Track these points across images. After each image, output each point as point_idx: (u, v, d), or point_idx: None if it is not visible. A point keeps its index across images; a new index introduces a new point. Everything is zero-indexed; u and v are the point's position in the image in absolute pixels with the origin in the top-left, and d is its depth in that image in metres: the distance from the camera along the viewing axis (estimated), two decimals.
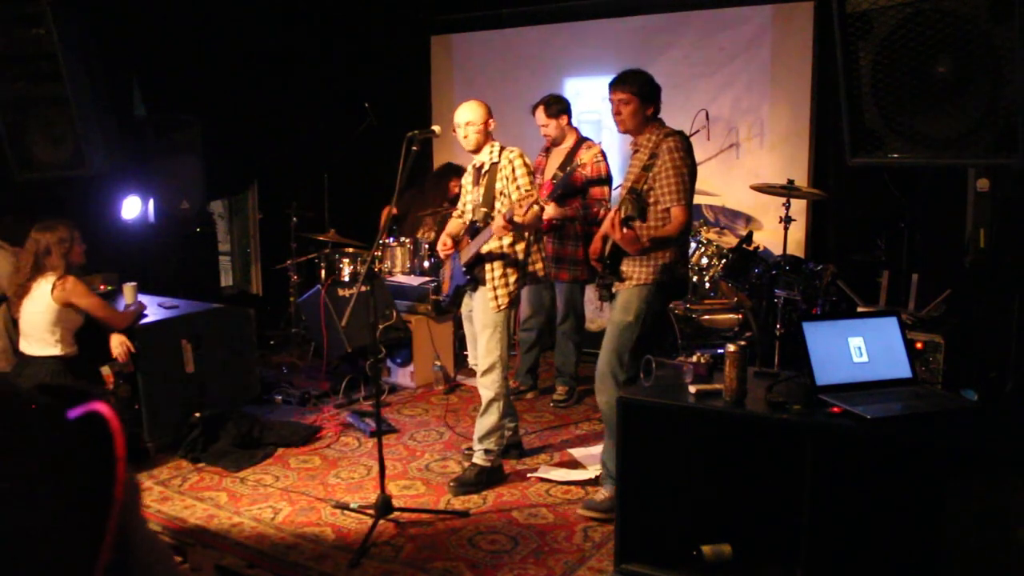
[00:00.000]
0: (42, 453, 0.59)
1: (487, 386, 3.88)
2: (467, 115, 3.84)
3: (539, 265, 4.09)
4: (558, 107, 4.94)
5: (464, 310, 4.09)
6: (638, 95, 3.54)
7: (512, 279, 3.85)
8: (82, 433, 0.63)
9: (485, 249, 3.82)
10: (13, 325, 4.11)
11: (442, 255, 4.12)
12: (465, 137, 3.85)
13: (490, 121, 3.87)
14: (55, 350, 3.95)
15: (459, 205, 4.19)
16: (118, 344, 4.11)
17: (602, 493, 3.62)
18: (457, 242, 4.03)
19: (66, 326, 3.97)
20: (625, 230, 3.40)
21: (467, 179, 4.10)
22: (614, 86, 3.59)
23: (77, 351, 4.06)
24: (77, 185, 4.90)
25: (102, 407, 0.65)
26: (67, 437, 0.62)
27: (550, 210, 4.69)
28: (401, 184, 3.61)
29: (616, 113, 3.60)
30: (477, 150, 3.89)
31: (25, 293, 3.94)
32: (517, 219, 3.62)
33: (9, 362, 4.18)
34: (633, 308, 3.55)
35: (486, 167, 3.90)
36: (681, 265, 3.68)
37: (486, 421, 3.90)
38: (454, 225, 4.17)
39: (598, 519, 3.53)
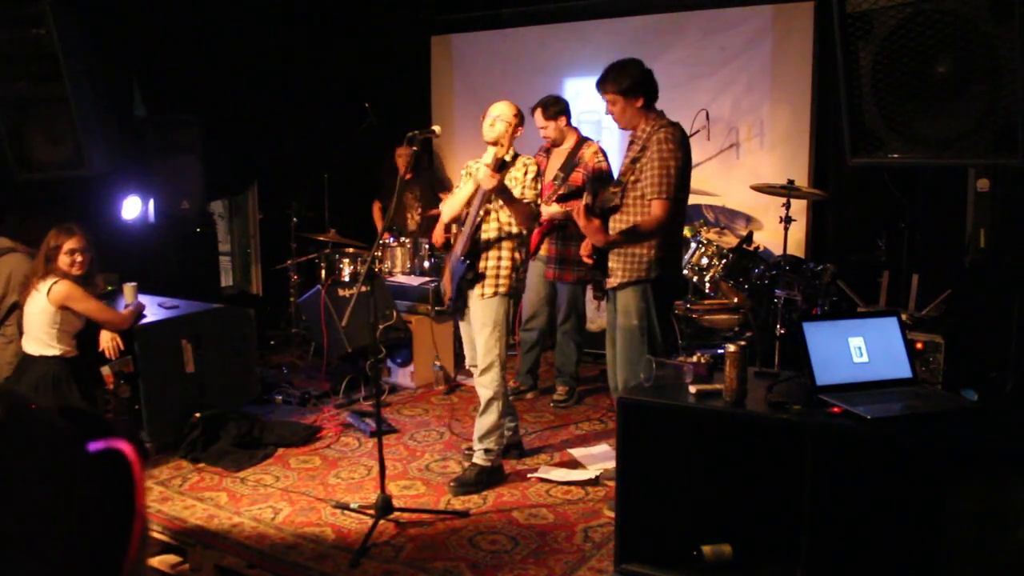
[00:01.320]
0: (57, 484, 0.53)
1: (486, 385, 3.87)
2: (501, 109, 3.83)
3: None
4: (556, 108, 4.93)
5: None
6: (620, 93, 3.51)
7: (504, 273, 3.81)
8: (101, 471, 0.56)
9: (483, 237, 3.80)
10: None
11: (436, 242, 4.09)
12: (491, 125, 3.80)
13: (519, 128, 3.84)
14: (54, 350, 3.95)
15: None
16: (108, 339, 4.11)
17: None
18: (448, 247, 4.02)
19: (63, 328, 3.96)
20: (592, 220, 3.37)
21: (472, 171, 4.05)
22: (598, 87, 3.58)
23: (77, 352, 4.05)
24: (77, 185, 4.90)
25: (126, 447, 0.58)
26: (84, 471, 0.56)
27: (552, 209, 4.69)
28: (399, 186, 3.61)
29: (609, 113, 3.59)
30: (495, 143, 3.83)
31: (29, 293, 3.93)
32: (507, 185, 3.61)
33: None
34: (633, 310, 3.54)
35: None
36: (670, 261, 3.63)
37: (485, 421, 3.89)
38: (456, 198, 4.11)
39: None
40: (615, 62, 3.60)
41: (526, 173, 3.79)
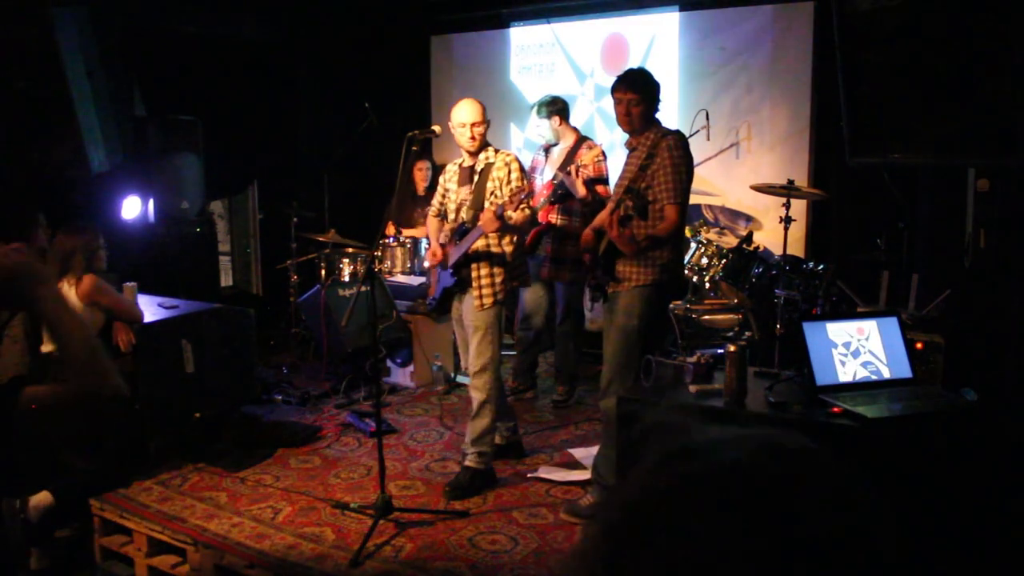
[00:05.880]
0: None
1: (479, 388, 3.85)
2: (473, 115, 3.77)
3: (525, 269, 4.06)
4: (550, 108, 4.93)
5: (454, 314, 4.06)
6: (648, 97, 3.53)
7: (498, 279, 3.80)
8: None
9: (472, 249, 3.79)
10: (33, 328, 4.09)
11: (428, 266, 4.07)
12: (472, 138, 3.78)
13: (489, 123, 3.86)
14: None
15: (434, 202, 4.12)
16: (124, 332, 4.10)
17: (587, 499, 3.61)
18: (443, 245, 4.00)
19: (92, 325, 3.96)
20: (623, 229, 3.38)
21: (450, 177, 4.00)
22: (624, 86, 3.53)
23: None
24: (77, 185, 4.90)
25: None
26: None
27: (552, 217, 4.72)
28: (399, 186, 3.61)
29: (625, 114, 3.56)
30: (479, 151, 3.86)
31: None
32: (508, 214, 3.59)
33: (26, 365, 4.15)
34: (636, 311, 3.54)
35: (479, 167, 3.85)
36: (678, 265, 3.67)
37: (479, 424, 3.86)
38: (433, 226, 4.10)
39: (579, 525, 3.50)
40: (636, 69, 3.63)
41: (510, 172, 3.77)
